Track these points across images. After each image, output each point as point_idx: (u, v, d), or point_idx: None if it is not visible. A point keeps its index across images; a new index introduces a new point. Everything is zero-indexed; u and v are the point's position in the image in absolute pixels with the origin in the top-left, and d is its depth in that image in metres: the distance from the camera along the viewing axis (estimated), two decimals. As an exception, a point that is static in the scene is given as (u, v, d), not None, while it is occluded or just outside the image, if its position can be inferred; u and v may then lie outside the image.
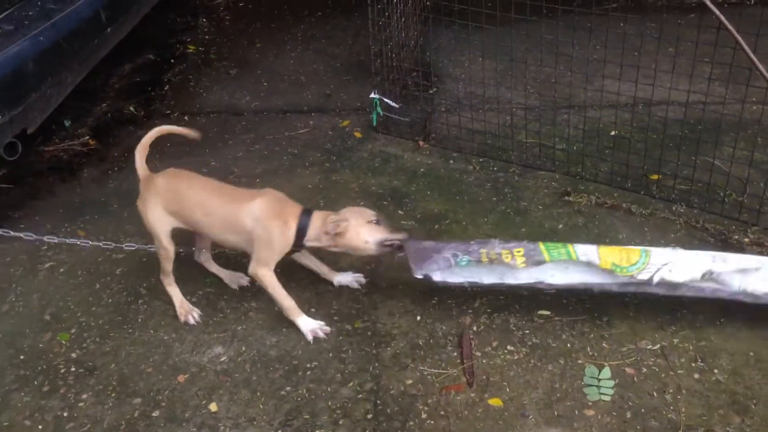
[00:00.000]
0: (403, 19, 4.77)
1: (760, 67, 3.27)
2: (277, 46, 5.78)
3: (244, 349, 3.18)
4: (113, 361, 3.16)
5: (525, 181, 4.16)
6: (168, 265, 3.31)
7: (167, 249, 3.26)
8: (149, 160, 3.35)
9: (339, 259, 3.54)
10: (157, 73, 5.49)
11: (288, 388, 3.00)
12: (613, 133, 4.40)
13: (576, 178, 4.13)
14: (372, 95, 4.55)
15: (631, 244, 3.28)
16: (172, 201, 3.21)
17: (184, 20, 6.24)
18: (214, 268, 3.52)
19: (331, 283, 3.48)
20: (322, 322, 3.24)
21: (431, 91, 5.00)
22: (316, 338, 3.20)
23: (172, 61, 5.67)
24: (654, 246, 3.24)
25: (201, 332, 3.27)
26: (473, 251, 3.17)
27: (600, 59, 4.09)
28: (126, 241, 3.82)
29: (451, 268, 3.16)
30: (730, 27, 3.28)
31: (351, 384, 3.01)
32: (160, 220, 3.22)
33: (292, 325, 3.28)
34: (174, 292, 3.36)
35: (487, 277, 3.17)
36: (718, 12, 3.28)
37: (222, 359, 3.14)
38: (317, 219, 3.13)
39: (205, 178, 3.33)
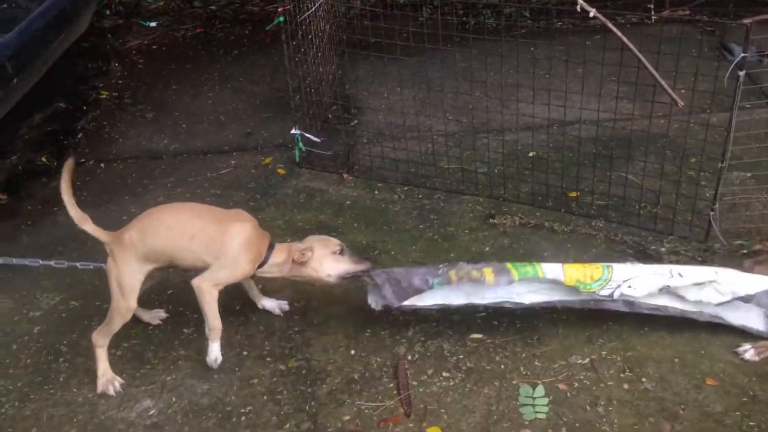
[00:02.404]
0: (319, 54, 4.80)
1: (663, 83, 3.42)
2: (194, 86, 5.71)
3: (174, 399, 3.08)
4: (34, 425, 3.00)
5: (450, 206, 4.21)
6: (120, 326, 3.13)
7: (131, 308, 3.11)
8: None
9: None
10: (70, 121, 5.33)
11: (222, 437, 2.93)
12: (531, 154, 4.51)
13: (499, 201, 4.20)
14: (293, 131, 4.54)
15: (555, 261, 3.35)
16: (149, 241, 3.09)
17: (96, 65, 6.10)
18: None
19: (261, 324, 3.43)
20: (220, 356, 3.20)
21: (352, 124, 5.02)
22: (249, 382, 3.14)
23: (85, 108, 5.52)
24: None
25: (128, 386, 3.15)
26: (442, 273, 3.18)
27: (513, 84, 4.20)
28: (43, 297, 3.66)
29: (424, 292, 3.18)
30: (632, 46, 3.42)
31: (287, 426, 2.95)
32: (133, 275, 3.09)
33: (224, 371, 3.21)
34: (102, 356, 3.15)
35: (455, 299, 3.21)
36: (620, 33, 3.42)
37: (151, 413, 3.02)
38: (279, 252, 3.18)
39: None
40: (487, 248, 3.83)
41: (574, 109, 4.04)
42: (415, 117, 4.77)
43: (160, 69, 6.04)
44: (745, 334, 3.17)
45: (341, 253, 3.18)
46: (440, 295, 3.21)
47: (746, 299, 3.10)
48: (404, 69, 4.73)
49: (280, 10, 4.17)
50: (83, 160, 4.91)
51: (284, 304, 3.48)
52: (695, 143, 3.93)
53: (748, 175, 4.13)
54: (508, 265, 3.15)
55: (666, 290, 3.11)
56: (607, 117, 4.03)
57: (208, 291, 3.10)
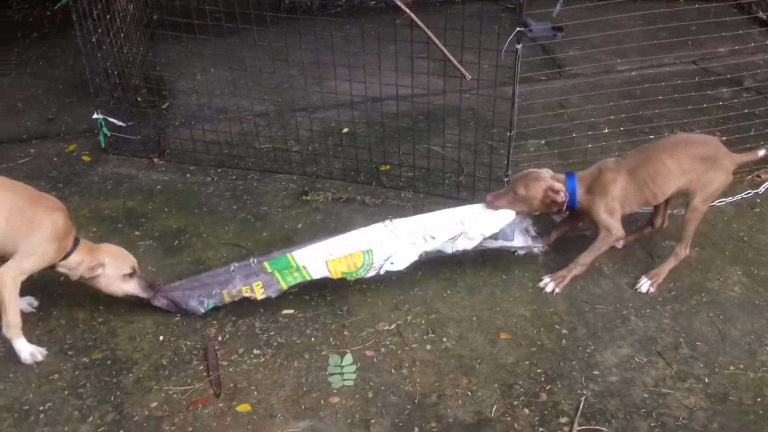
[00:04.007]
0: (122, 35, 4.59)
1: (452, 58, 3.57)
2: (-12, 72, 5.31)
3: (-38, 404, 2.89)
4: None
5: (264, 186, 4.20)
6: None
7: None
8: None
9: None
10: None
11: (18, 438, 2.78)
12: (345, 130, 4.57)
13: (312, 178, 4.25)
14: (95, 116, 4.33)
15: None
16: None
17: None
18: None
19: (63, 317, 3.29)
20: (37, 347, 3.11)
21: (163, 107, 4.87)
22: (49, 378, 3.00)
23: None
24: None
25: None
26: (216, 294, 3.24)
27: (322, 63, 4.20)
28: None
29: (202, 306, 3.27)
30: (421, 24, 3.55)
31: (90, 419, 2.85)
32: None
33: (21, 368, 3.05)
34: None
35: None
36: (409, 11, 3.54)
37: (-66, 421, 2.82)
38: (80, 251, 3.12)
39: None
40: (300, 225, 3.87)
41: (381, 85, 4.12)
42: (228, 98, 4.71)
43: (-52, 53, 5.55)
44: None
45: (131, 275, 3.19)
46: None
47: (494, 237, 3.41)
48: (218, 49, 4.64)
49: (64, -14, 3.95)
50: None
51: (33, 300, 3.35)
52: (495, 115, 4.15)
53: (542, 142, 4.44)
54: (277, 275, 3.25)
55: (425, 255, 3.34)
56: (417, 92, 4.10)
57: (11, 281, 2.98)
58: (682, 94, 4.56)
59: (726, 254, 3.65)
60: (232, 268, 3.29)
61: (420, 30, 3.58)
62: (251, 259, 3.32)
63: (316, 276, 3.26)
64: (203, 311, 3.25)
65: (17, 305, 3.04)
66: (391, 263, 3.30)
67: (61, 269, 3.13)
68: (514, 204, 3.38)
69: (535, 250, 3.54)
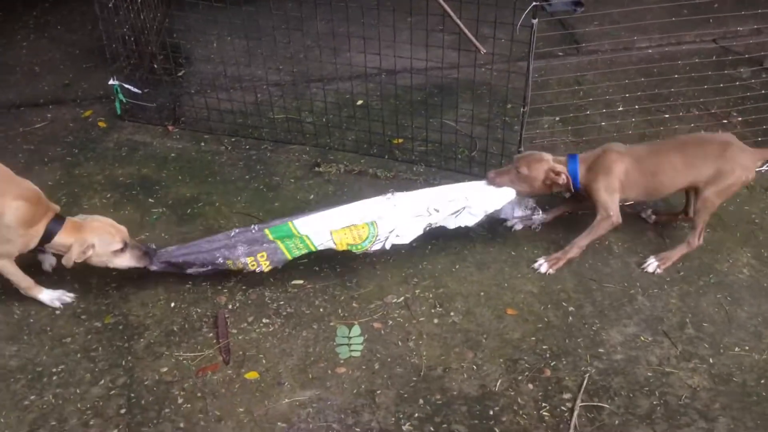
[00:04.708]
0: (139, 0, 4.59)
1: (466, 31, 3.55)
2: (6, 35, 5.30)
3: (-22, 364, 2.96)
4: None
5: (277, 156, 4.22)
6: None
7: None
8: None
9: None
10: None
11: (32, 397, 2.85)
12: (360, 102, 4.56)
13: (325, 149, 4.25)
14: (111, 82, 4.35)
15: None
16: None
17: None
18: None
19: (77, 282, 3.34)
20: (63, 291, 3.24)
21: (180, 74, 4.88)
22: (62, 341, 3.07)
23: None
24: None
25: (-75, 354, 2.99)
26: (220, 264, 3.23)
27: (337, 34, 4.19)
28: None
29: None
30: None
31: (102, 382, 2.92)
32: None
33: (35, 331, 3.12)
34: None
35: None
36: (426, -17, 3.50)
37: (-49, 379, 2.90)
38: (66, 233, 3.05)
39: None
40: (312, 196, 3.89)
41: (396, 58, 4.10)
42: (243, 67, 4.68)
43: (-34, 16, 5.56)
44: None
45: (123, 249, 3.13)
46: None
47: (496, 214, 3.49)
48: (233, 18, 4.62)
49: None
50: None
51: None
52: (510, 90, 4.12)
53: (557, 119, 4.41)
54: (280, 245, 3.22)
55: (429, 228, 3.35)
56: (432, 66, 4.08)
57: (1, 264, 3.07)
58: (700, 73, 4.50)
59: (737, 236, 3.64)
60: (232, 233, 3.28)
61: (436, 2, 3.56)
62: (252, 226, 3.31)
63: (319, 246, 3.24)
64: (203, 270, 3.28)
65: (19, 273, 3.13)
66: (397, 236, 3.30)
67: (51, 251, 3.16)
68: (515, 183, 3.40)
69: (533, 224, 3.58)
